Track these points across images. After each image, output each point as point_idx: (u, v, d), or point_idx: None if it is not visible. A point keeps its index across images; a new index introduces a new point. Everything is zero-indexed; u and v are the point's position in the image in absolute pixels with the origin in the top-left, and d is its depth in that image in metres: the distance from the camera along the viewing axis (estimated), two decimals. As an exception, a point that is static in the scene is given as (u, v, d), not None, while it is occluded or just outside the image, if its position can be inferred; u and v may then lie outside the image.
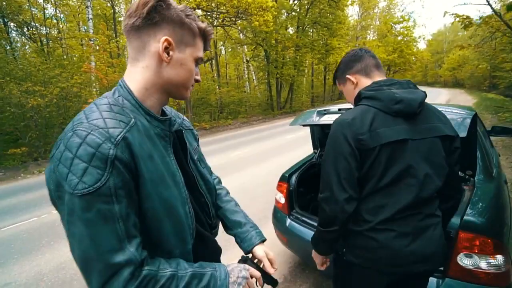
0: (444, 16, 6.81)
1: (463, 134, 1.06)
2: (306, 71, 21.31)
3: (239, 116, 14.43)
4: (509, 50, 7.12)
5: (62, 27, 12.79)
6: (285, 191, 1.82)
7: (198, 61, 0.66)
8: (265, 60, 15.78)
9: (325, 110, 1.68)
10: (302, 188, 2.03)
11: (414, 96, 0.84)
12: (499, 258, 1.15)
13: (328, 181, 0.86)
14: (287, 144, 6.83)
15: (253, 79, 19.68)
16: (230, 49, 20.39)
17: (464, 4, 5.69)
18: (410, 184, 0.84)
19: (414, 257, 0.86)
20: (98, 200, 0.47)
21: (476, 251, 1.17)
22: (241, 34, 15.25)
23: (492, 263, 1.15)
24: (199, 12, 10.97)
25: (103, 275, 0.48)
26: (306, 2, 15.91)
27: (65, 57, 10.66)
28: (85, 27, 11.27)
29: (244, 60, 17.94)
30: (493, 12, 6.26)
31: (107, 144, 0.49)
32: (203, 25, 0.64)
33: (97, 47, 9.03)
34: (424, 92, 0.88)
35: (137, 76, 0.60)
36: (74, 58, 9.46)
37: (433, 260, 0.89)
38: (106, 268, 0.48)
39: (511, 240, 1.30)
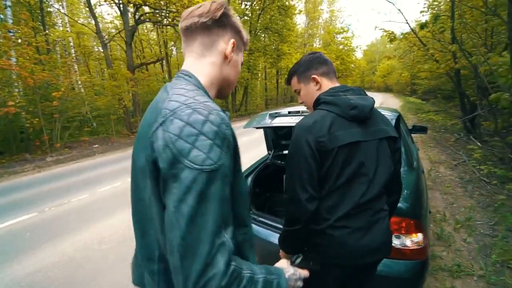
0: (375, 30, 7.79)
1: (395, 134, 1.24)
2: (259, 74, 21.92)
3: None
4: (423, 62, 8.57)
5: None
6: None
7: (241, 65, 0.75)
8: (219, 62, 15.68)
9: (276, 113, 1.77)
10: (258, 188, 2.09)
11: (366, 103, 0.92)
12: (419, 235, 1.38)
13: (291, 182, 0.90)
14: (242, 146, 6.82)
15: (207, 81, 19.31)
16: (181, 50, 19.63)
17: (389, 21, 6.62)
18: (362, 182, 0.91)
19: (366, 250, 0.93)
20: (217, 178, 0.47)
21: (403, 232, 1.38)
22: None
23: (414, 241, 1.38)
24: (146, 9, 10.30)
25: (205, 259, 0.44)
26: (257, 7, 16.40)
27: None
28: (1, 16, 9.46)
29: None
30: (410, 29, 7.44)
31: (224, 125, 0.50)
32: (248, 36, 0.74)
33: (19, 40, 7.63)
34: (373, 98, 0.97)
35: (204, 70, 0.64)
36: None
37: (382, 250, 0.97)
38: (209, 252, 0.44)
39: (426, 219, 1.58)
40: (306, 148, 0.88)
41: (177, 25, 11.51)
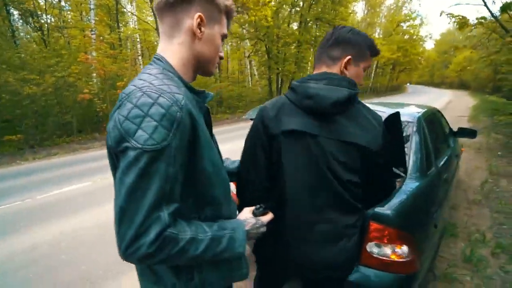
0: (440, 15, 6.70)
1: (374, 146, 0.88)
2: (308, 68, 21.20)
3: (237, 111, 14.48)
4: (505, 52, 7.02)
5: (66, 16, 12.89)
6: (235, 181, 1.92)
7: (223, 38, 0.70)
8: (266, 55, 15.71)
9: None
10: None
11: (330, 94, 0.78)
12: (404, 248, 1.24)
13: (242, 161, 0.94)
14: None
15: (255, 74, 19.63)
16: (230, 43, 20.35)
17: (458, 4, 5.59)
18: (301, 181, 0.84)
19: (321, 264, 0.86)
20: (160, 158, 0.50)
21: (385, 241, 1.25)
22: (242, 29, 15.18)
23: (398, 253, 1.24)
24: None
25: (138, 228, 0.49)
26: (310, -3, 15.72)
27: (65, 46, 10.79)
28: (88, 17, 11.37)
29: (246, 55, 17.89)
30: (489, 13, 6.17)
31: (175, 107, 0.52)
32: (228, 2, 0.67)
33: (94, 37, 9.09)
34: (350, 92, 0.80)
35: (175, 52, 0.64)
36: (73, 48, 9.55)
37: (341, 268, 0.89)
38: (143, 221, 0.49)
39: (424, 233, 1.39)
40: (255, 130, 0.89)
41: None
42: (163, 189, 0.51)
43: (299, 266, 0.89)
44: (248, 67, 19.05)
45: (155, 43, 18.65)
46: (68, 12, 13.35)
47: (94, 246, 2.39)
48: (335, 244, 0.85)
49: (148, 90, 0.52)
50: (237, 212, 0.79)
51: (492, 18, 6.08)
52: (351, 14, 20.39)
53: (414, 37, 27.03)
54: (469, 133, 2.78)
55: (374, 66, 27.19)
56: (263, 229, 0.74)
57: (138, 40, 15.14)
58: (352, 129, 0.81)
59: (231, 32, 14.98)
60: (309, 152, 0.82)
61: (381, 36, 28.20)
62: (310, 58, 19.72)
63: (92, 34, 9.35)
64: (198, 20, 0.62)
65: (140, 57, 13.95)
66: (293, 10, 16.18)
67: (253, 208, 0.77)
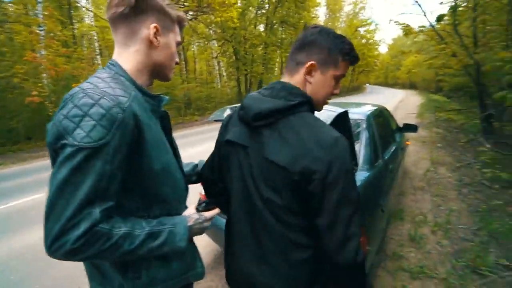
0: (389, 23, 7.38)
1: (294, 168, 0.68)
2: (276, 69, 21.73)
3: (206, 113, 14.29)
4: (442, 57, 8.03)
5: (7, 9, 11.41)
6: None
7: (178, 45, 0.75)
8: (234, 56, 15.77)
9: (235, 106, 1.84)
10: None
11: (256, 105, 0.71)
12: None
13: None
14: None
15: (223, 75, 19.55)
16: (197, 44, 20.00)
17: (403, 13, 6.24)
18: (236, 194, 0.79)
19: (236, 274, 0.83)
20: (97, 155, 0.52)
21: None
22: (209, 29, 15.03)
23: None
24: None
25: (66, 223, 0.49)
26: (274, 0, 16.17)
27: (6, 43, 9.57)
28: (35, 11, 10.22)
29: (214, 56, 17.74)
30: (429, 22, 6.99)
31: (116, 108, 0.55)
32: (179, 13, 0.73)
33: (43, 34, 8.24)
34: (277, 103, 0.69)
35: (130, 58, 0.67)
36: (17, 45, 8.52)
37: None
38: (73, 216, 0.49)
39: (370, 217, 1.58)
40: (218, 135, 0.89)
41: (189, 19, 11.81)
42: (98, 186, 0.52)
43: None
44: (217, 68, 18.90)
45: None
46: (10, 5, 11.87)
47: (50, 263, 2.21)
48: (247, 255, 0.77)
49: (90, 91, 0.54)
50: None
51: (430, 27, 6.90)
52: (314, 18, 21.42)
53: (370, 41, 29.40)
54: (412, 128, 3.18)
55: (337, 67, 28.78)
56: (207, 224, 0.75)
57: (95, 38, 14.09)
58: (274, 145, 0.68)
59: (198, 33, 14.73)
60: (240, 164, 0.76)
61: (341, 39, 30.04)
62: (277, 59, 20.26)
63: (40, 30, 8.45)
64: (154, 30, 0.66)
65: (98, 57, 12.97)
66: (259, 12, 16.51)
67: (196, 204, 0.78)
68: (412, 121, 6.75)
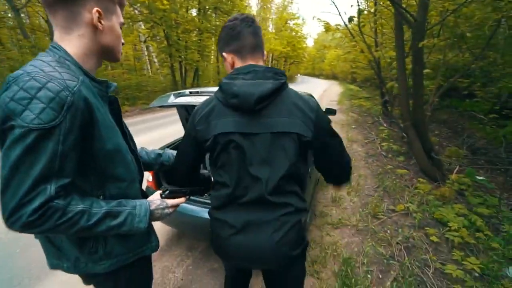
0: (313, 19, 8.24)
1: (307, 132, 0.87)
2: (211, 57, 21.24)
3: (138, 102, 13.00)
4: (354, 52, 9.51)
5: None
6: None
7: (121, 26, 0.74)
8: (166, 41, 14.64)
9: (179, 92, 1.90)
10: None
11: (254, 91, 0.76)
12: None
13: (175, 160, 1.00)
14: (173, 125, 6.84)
15: (154, 62, 17.95)
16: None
17: (324, 12, 7.07)
18: (242, 178, 0.83)
19: (239, 252, 0.87)
20: (48, 136, 0.54)
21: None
22: (134, 9, 13.41)
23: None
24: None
25: (22, 197, 0.52)
26: (206, -16, 15.55)
27: None
28: None
29: (142, 39, 16.01)
30: (343, 21, 8.11)
31: (65, 92, 0.56)
32: None
33: None
34: (274, 83, 0.78)
35: (74, 43, 0.66)
36: None
37: (265, 259, 0.85)
38: (28, 191, 0.53)
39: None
40: (187, 135, 0.89)
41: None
42: (51, 164, 0.55)
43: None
44: (146, 53, 17.19)
45: (3, 13, 13.68)
46: None
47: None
48: (253, 230, 0.86)
49: (37, 75, 0.55)
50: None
51: (344, 26, 8.04)
52: (247, 7, 21.67)
53: (299, 34, 31.82)
54: (331, 112, 3.83)
55: (270, 58, 30.31)
56: (168, 211, 0.79)
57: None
58: (281, 119, 0.79)
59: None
60: (242, 151, 0.81)
61: (273, 31, 31.51)
62: (213, 47, 19.81)
63: None
64: (97, 14, 0.66)
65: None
66: (190, -5, 15.63)
67: (161, 191, 0.82)
68: (334, 107, 7.92)
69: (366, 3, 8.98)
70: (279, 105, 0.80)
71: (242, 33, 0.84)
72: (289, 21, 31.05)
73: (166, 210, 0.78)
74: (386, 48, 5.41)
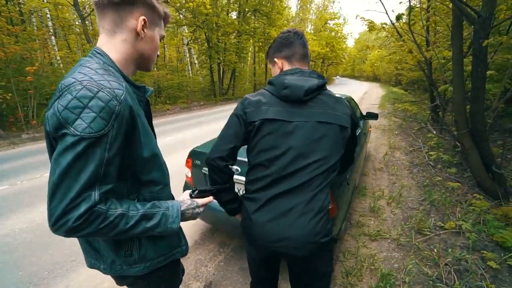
0: (356, 18, 7.87)
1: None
2: (248, 59, 21.63)
3: (178, 101, 13.86)
4: (400, 53, 8.82)
5: None
6: (190, 165, 2.08)
7: (161, 38, 0.78)
8: (206, 43, 15.35)
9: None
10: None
11: (303, 84, 0.89)
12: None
13: (217, 141, 0.99)
14: (221, 128, 7.06)
15: (195, 63, 18.94)
16: (166, 29, 18.96)
17: (368, 10, 6.69)
18: (284, 164, 0.89)
19: (274, 236, 0.90)
20: (97, 144, 0.57)
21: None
22: (179, 13, 14.35)
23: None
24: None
25: (69, 203, 0.54)
26: (246, -12, 15.91)
27: None
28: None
29: (185, 42, 17.03)
30: (389, 20, 7.60)
31: (114, 101, 0.59)
32: (166, 9, 0.77)
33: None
34: (318, 80, 0.93)
35: (117, 48, 0.69)
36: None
37: (297, 245, 0.89)
38: (75, 197, 0.55)
39: (340, 189, 1.88)
40: (235, 117, 0.96)
41: (167, 2, 11.16)
42: (97, 171, 0.57)
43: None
44: (188, 55, 18.23)
45: (72, 21, 15.82)
46: None
47: (30, 251, 2.18)
48: (289, 215, 0.90)
49: (88, 84, 0.57)
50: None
51: (391, 24, 7.51)
52: (286, 9, 21.57)
53: (339, 34, 30.60)
54: (373, 116, 3.61)
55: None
56: (199, 210, 0.80)
57: (48, 16, 12.59)
58: (326, 111, 0.92)
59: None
60: (291, 135, 0.90)
61: (312, 31, 30.82)
62: (250, 49, 20.16)
63: (-21, 4, 7.36)
64: (143, 22, 0.69)
65: (53, 37, 11.71)
66: (231, -1, 16.16)
67: (190, 191, 0.83)
68: (374, 111, 7.45)
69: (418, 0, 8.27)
70: (323, 100, 0.93)
71: (294, 43, 1.00)
72: (329, 21, 30.06)
73: (197, 210, 0.80)
74: (440, 47, 4.89)
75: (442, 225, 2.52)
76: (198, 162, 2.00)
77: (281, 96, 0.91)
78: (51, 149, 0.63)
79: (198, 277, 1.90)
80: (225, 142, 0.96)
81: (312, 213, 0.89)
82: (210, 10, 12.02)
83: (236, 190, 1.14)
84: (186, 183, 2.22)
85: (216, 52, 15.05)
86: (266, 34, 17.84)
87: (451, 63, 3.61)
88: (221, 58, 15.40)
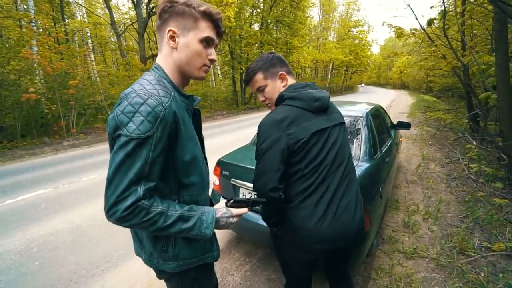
0: (382, 25, 7.68)
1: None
2: (270, 68, 21.88)
3: (202, 111, 14.32)
4: (432, 59, 8.37)
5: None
6: (219, 174, 2.11)
7: (205, 41, 0.76)
8: (230, 55, 15.84)
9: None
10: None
11: (325, 95, 1.05)
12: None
13: (261, 174, 0.95)
14: (244, 138, 7.14)
15: (218, 74, 19.57)
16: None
17: (395, 16, 6.47)
18: (337, 165, 1.02)
19: (330, 234, 0.98)
20: (143, 144, 0.64)
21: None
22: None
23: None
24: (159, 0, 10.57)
25: (119, 195, 0.63)
26: (269, 0, 16.30)
27: (-1, 39, 9.36)
28: (24, 6, 10.03)
29: (209, 54, 17.70)
30: (419, 25, 7.29)
31: (160, 107, 0.66)
32: (202, 8, 0.74)
33: (40, 30, 8.14)
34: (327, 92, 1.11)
35: (163, 62, 0.78)
36: (11, 42, 8.37)
37: (348, 236, 1.02)
38: (124, 191, 0.63)
39: (373, 201, 1.78)
40: (279, 144, 0.93)
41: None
42: (143, 169, 0.64)
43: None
44: (211, 66, 18.90)
45: (108, 38, 17.32)
46: (-1, -1, 11.54)
47: (70, 250, 2.33)
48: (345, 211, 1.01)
49: (140, 92, 0.66)
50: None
51: (421, 30, 7.20)
52: (308, 18, 21.67)
53: (363, 41, 29.91)
54: (405, 125, 3.41)
55: (330, 67, 29.30)
56: (233, 220, 0.82)
57: (88, 34, 13.90)
58: (338, 114, 1.13)
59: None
60: (328, 139, 1.02)
61: (335, 40, 30.50)
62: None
63: (32, 26, 8.34)
64: (170, 33, 0.75)
65: (92, 54, 12.85)
66: (254, 11, 16.60)
67: (226, 200, 0.85)
68: (403, 120, 7.06)
69: (451, 3, 7.87)
70: (332, 105, 1.12)
71: (285, 61, 1.13)
72: (352, 29, 29.61)
73: (231, 219, 0.81)
74: (479, 52, 4.55)
75: (489, 246, 2.26)
76: (226, 173, 2.03)
77: (312, 109, 1.01)
78: (112, 148, 0.69)
79: (224, 286, 1.88)
80: (272, 170, 0.94)
81: (360, 203, 1.07)
82: (234, 23, 12.44)
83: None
84: (213, 191, 2.24)
85: (238, 62, 15.45)
86: (288, 44, 17.99)
87: (493, 68, 3.34)
88: (243, 68, 15.75)
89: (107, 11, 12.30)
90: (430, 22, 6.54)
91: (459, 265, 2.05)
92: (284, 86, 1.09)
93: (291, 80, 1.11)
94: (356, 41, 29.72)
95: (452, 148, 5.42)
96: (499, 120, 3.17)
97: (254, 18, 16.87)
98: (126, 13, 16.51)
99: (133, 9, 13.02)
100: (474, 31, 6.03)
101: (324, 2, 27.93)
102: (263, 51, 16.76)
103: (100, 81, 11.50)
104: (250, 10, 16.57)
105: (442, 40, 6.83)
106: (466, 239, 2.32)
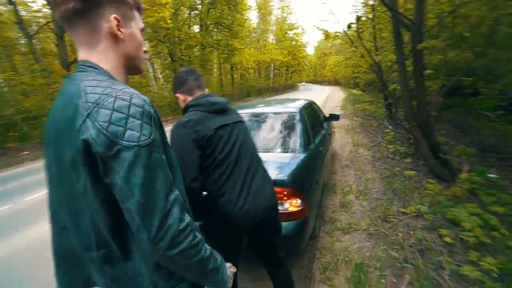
0: (312, 28, 8.44)
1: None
2: (214, 70, 21.74)
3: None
4: (354, 58, 9.59)
5: None
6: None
7: (142, 32, 0.69)
8: (170, 57, 15.11)
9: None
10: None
11: (222, 100, 1.28)
12: (298, 201, 1.75)
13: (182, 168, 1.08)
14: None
15: (159, 78, 18.46)
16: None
17: (323, 21, 7.21)
18: (244, 155, 1.23)
19: (253, 212, 1.16)
20: (154, 149, 0.54)
21: (285, 199, 1.73)
22: (137, 29, 13.96)
23: (294, 204, 1.75)
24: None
25: (162, 212, 0.52)
26: (207, 1, 16.15)
27: None
28: None
29: (147, 57, 16.55)
30: (342, 29, 8.24)
31: (146, 105, 0.56)
32: None
33: None
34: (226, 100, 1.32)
35: (102, 58, 0.61)
36: None
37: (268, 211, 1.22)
38: (165, 206, 0.53)
39: (311, 189, 1.97)
40: (185, 136, 1.12)
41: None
42: (167, 174, 0.56)
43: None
44: (151, 70, 17.72)
45: (16, 40, 14.44)
46: None
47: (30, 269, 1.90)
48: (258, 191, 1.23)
49: (117, 94, 0.53)
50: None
51: (343, 32, 8.16)
52: (247, 21, 22.26)
53: (299, 43, 32.31)
54: (335, 117, 3.86)
55: (272, 68, 30.75)
56: (232, 270, 0.77)
57: (-15, 35, 11.34)
58: (235, 115, 1.34)
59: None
60: (232, 133, 1.24)
61: (274, 41, 32.10)
62: (215, 60, 20.30)
63: None
64: (116, 22, 0.61)
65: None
66: (192, 13, 16.22)
67: None
68: (337, 112, 7.94)
69: (365, 10, 9.14)
70: (231, 109, 1.34)
71: (187, 80, 1.30)
72: (288, 31, 31.64)
73: (231, 269, 0.76)
74: (386, 51, 5.46)
75: (404, 210, 2.76)
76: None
77: (212, 111, 1.21)
78: (105, 170, 0.52)
79: None
80: (191, 165, 1.11)
81: (269, 183, 1.29)
82: (171, 25, 11.93)
83: None
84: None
85: (180, 65, 14.88)
86: (229, 46, 18.14)
87: (396, 65, 4.06)
88: (186, 71, 15.22)
89: (10, 7, 10.25)
90: (349, 26, 7.47)
91: (383, 231, 2.44)
92: (184, 102, 1.30)
93: (189, 97, 1.29)
94: (293, 42, 31.91)
95: (375, 134, 6.36)
96: (404, 107, 3.86)
97: (193, 20, 16.48)
98: (39, 11, 14.08)
99: (48, 6, 11.18)
100: (383, 34, 7.15)
101: (261, 5, 29.13)
102: (204, 52, 16.52)
103: (9, 91, 9.57)
104: (187, 12, 16.12)
105: (359, 42, 7.91)
106: (388, 208, 2.78)
